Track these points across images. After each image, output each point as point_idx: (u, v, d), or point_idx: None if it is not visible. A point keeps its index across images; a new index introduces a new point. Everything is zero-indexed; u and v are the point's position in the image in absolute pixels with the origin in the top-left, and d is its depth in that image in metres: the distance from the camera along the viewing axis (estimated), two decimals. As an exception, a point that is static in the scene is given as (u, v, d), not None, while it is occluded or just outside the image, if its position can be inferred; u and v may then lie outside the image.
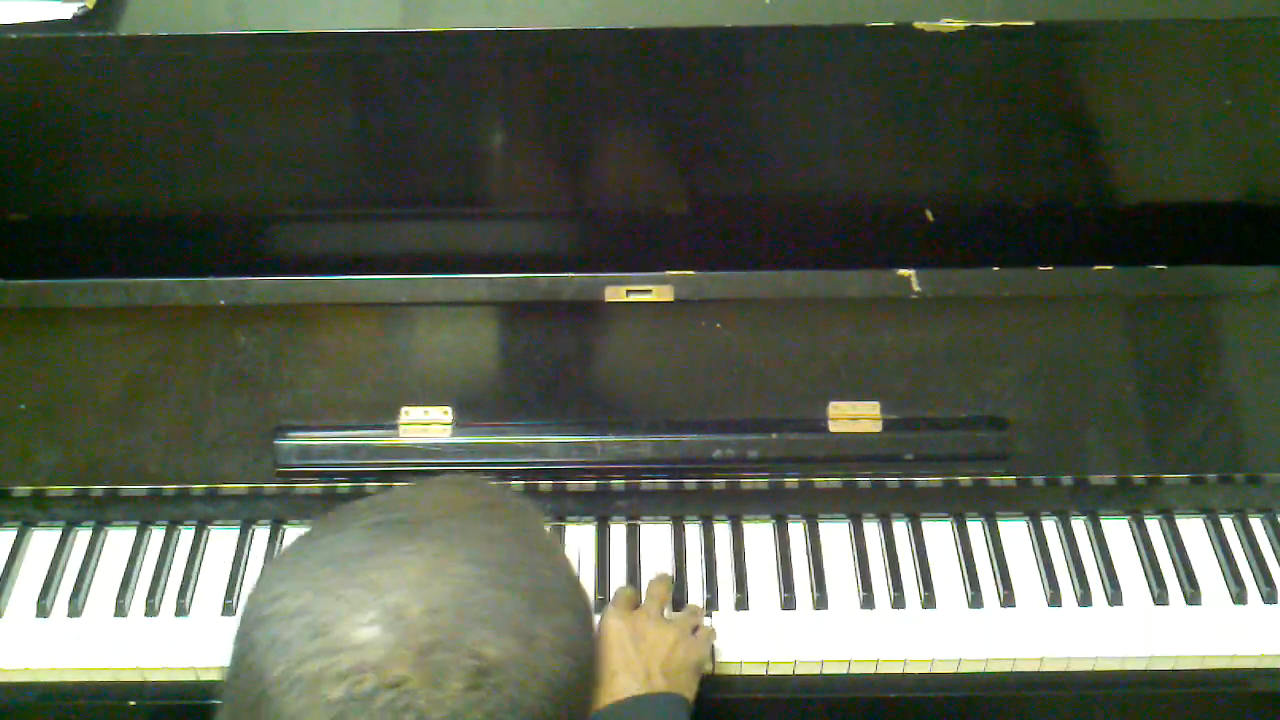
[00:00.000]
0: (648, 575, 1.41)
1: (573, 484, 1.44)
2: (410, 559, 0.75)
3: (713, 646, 1.33)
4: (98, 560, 1.43)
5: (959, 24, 1.29)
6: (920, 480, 1.43)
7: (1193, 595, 1.38)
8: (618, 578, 1.41)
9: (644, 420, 1.41)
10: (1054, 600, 1.38)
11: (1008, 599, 1.38)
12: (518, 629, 0.75)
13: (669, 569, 1.41)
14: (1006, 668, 1.35)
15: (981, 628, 1.36)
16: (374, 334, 1.42)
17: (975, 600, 1.38)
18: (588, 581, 1.40)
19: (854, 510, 1.46)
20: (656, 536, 1.45)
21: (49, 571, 1.41)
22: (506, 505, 0.85)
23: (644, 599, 1.34)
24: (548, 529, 0.88)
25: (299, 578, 0.76)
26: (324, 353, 1.41)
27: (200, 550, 1.44)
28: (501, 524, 0.81)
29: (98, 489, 1.43)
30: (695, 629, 1.31)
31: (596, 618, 1.23)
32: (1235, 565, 1.41)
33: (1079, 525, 1.45)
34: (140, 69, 1.34)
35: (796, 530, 1.45)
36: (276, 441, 1.40)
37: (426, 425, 1.40)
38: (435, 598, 0.74)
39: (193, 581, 1.40)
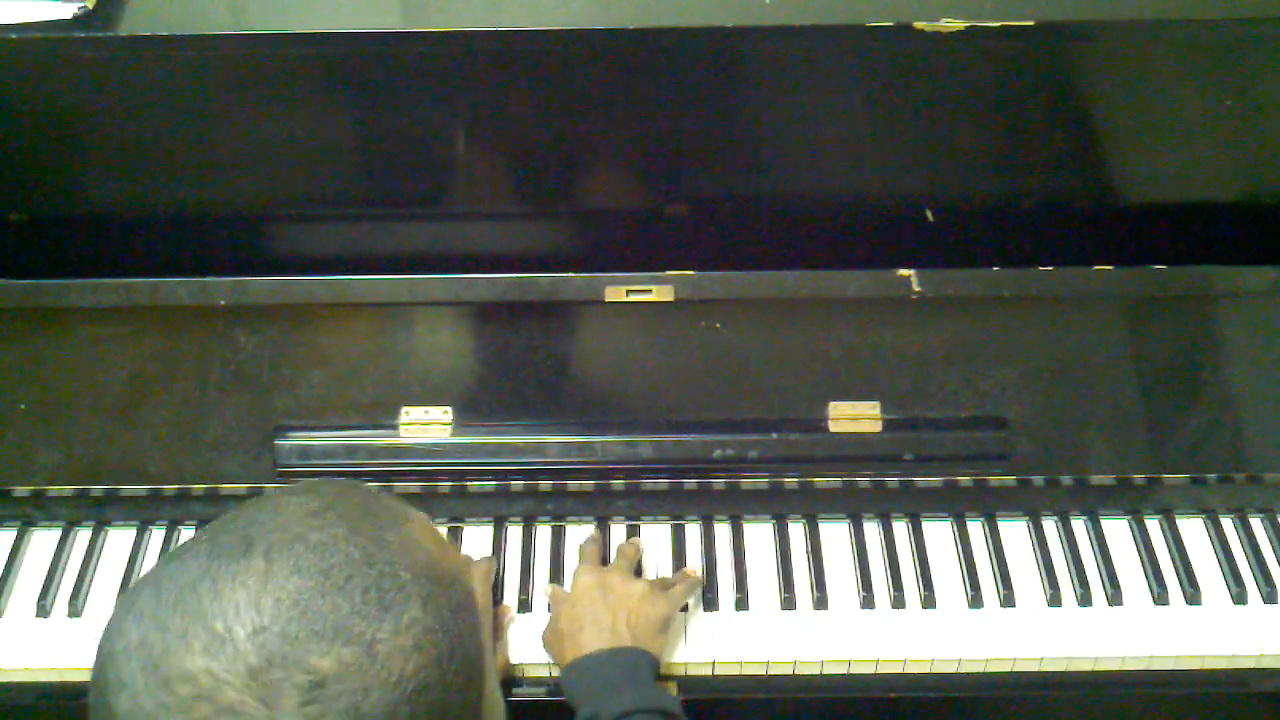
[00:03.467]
0: (648, 575, 1.41)
1: (573, 484, 1.44)
2: (239, 580, 0.75)
3: (687, 604, 1.36)
4: (98, 560, 1.43)
5: (959, 24, 1.29)
6: (920, 480, 1.43)
7: (1193, 595, 1.38)
8: (618, 578, 1.41)
9: (644, 420, 1.41)
10: (1054, 600, 1.38)
11: (1008, 599, 1.38)
12: (354, 636, 0.74)
13: (669, 569, 1.41)
14: (1006, 668, 1.35)
15: (981, 628, 1.36)
16: (374, 334, 1.42)
17: (975, 600, 1.38)
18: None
19: (854, 510, 1.46)
20: (656, 536, 1.45)
21: (49, 571, 1.41)
22: (343, 505, 0.82)
23: (615, 556, 1.37)
24: (401, 520, 0.84)
25: (137, 613, 0.76)
26: (324, 353, 1.41)
27: (200, 550, 1.44)
28: (336, 527, 0.79)
29: (98, 489, 1.43)
30: (669, 587, 1.33)
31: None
32: (1235, 565, 1.41)
33: (1079, 525, 1.45)
34: (140, 69, 1.34)
35: (796, 530, 1.45)
36: (276, 441, 1.40)
37: (426, 425, 1.40)
38: (262, 617, 0.74)
39: (193, 581, 1.40)
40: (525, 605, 1.39)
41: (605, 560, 1.39)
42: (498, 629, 1.35)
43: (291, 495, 0.83)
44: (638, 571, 1.39)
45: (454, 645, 0.80)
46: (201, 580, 0.76)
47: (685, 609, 1.38)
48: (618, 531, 1.45)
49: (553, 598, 1.36)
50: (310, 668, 0.73)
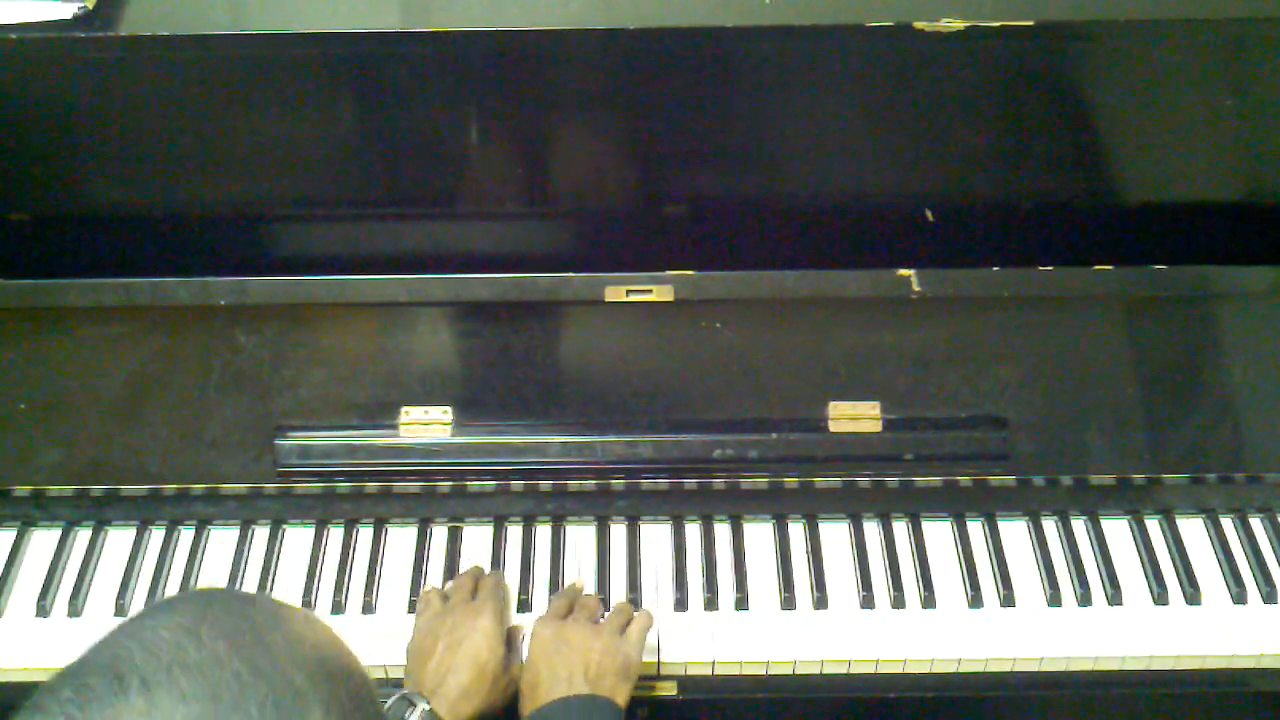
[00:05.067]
0: (647, 575, 1.41)
1: (573, 484, 1.44)
2: None
3: (653, 643, 1.33)
4: (98, 560, 1.43)
5: (959, 24, 1.29)
6: (920, 480, 1.43)
7: (1193, 595, 1.38)
8: (618, 577, 1.41)
9: (644, 420, 1.41)
10: (1054, 600, 1.38)
11: (1008, 599, 1.38)
12: None
13: (669, 569, 1.41)
14: (1006, 668, 1.35)
15: (981, 628, 1.36)
16: (374, 334, 1.42)
17: (975, 600, 1.38)
18: (588, 581, 1.40)
19: (854, 510, 1.46)
20: (656, 536, 1.45)
21: (49, 571, 1.41)
22: (214, 614, 0.74)
23: (577, 607, 1.33)
24: (278, 618, 0.77)
25: None
26: (324, 353, 1.41)
27: (200, 550, 1.44)
28: (214, 642, 0.72)
29: (98, 489, 1.43)
30: (625, 627, 1.31)
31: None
32: (1235, 565, 1.41)
33: (1079, 525, 1.45)
34: (140, 69, 1.34)
35: (796, 530, 1.45)
36: (276, 441, 1.40)
37: (426, 425, 1.40)
38: None
39: (192, 581, 1.41)
40: (525, 605, 1.39)
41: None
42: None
43: (153, 616, 0.75)
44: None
45: None
46: None
47: (685, 609, 1.38)
48: (618, 531, 1.45)
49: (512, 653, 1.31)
50: None
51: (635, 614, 1.33)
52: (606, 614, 1.34)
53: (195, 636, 0.72)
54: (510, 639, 1.31)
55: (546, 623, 1.29)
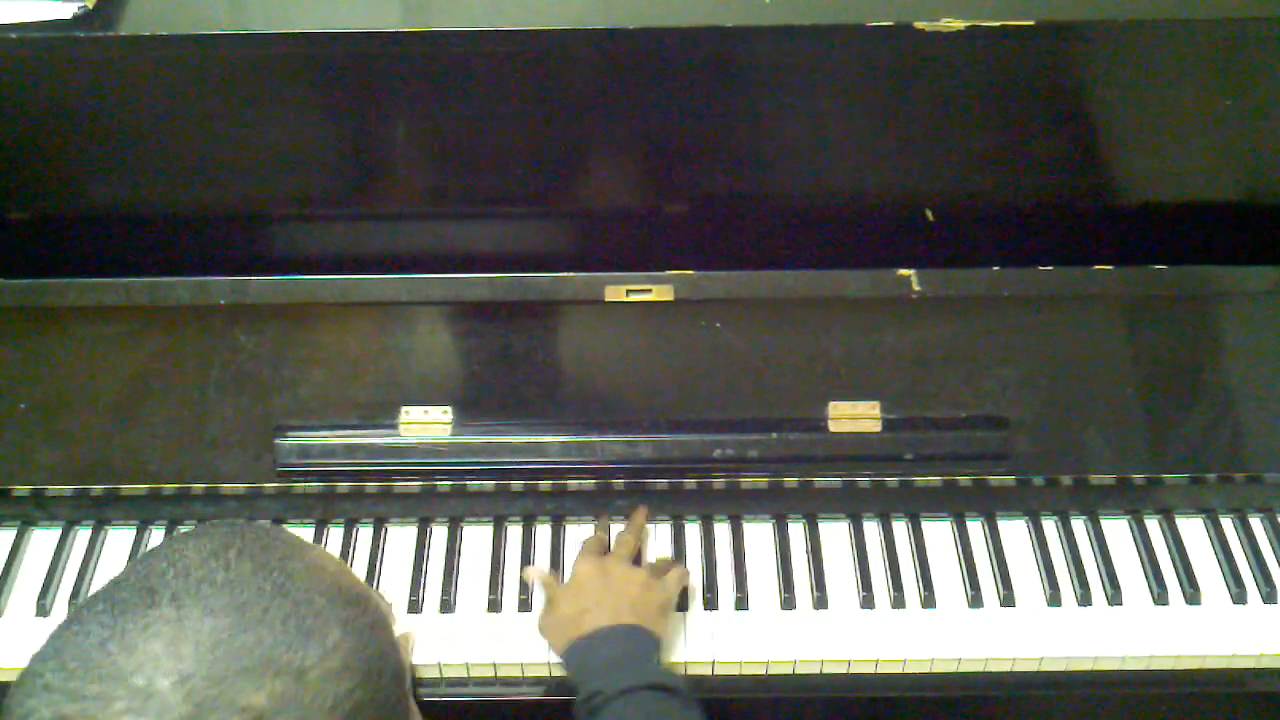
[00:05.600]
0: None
1: (573, 484, 1.44)
2: (150, 631, 0.73)
3: (686, 589, 1.38)
4: (98, 560, 1.44)
5: (959, 24, 1.29)
6: (920, 480, 1.43)
7: (1192, 595, 1.38)
8: (618, 577, 1.41)
9: (644, 420, 1.41)
10: (1054, 600, 1.38)
11: (1007, 599, 1.38)
12: (283, 667, 0.73)
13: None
14: (1006, 668, 1.35)
15: (981, 628, 1.36)
16: (374, 334, 1.42)
17: (975, 600, 1.38)
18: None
19: (854, 510, 1.46)
20: (656, 536, 1.45)
21: (49, 571, 1.41)
22: (241, 540, 0.80)
23: (615, 545, 1.38)
24: (300, 548, 0.83)
25: (44, 689, 0.72)
26: (324, 353, 1.41)
27: (200, 550, 1.44)
28: (240, 564, 0.78)
29: (98, 489, 1.43)
30: (664, 573, 1.35)
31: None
32: (1235, 565, 1.41)
33: (1079, 525, 1.45)
34: (140, 69, 1.34)
35: (796, 530, 1.45)
36: (276, 441, 1.40)
37: (426, 425, 1.40)
38: (183, 665, 0.71)
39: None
40: (525, 605, 1.39)
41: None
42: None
43: (185, 541, 0.81)
44: (636, 560, 1.39)
45: (380, 662, 0.79)
46: (109, 640, 0.73)
47: (685, 609, 1.38)
48: (618, 531, 1.45)
49: (548, 585, 1.35)
50: (244, 706, 0.71)
51: (675, 568, 1.37)
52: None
53: (223, 560, 0.78)
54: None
55: (588, 558, 1.34)
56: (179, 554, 0.78)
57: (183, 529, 1.46)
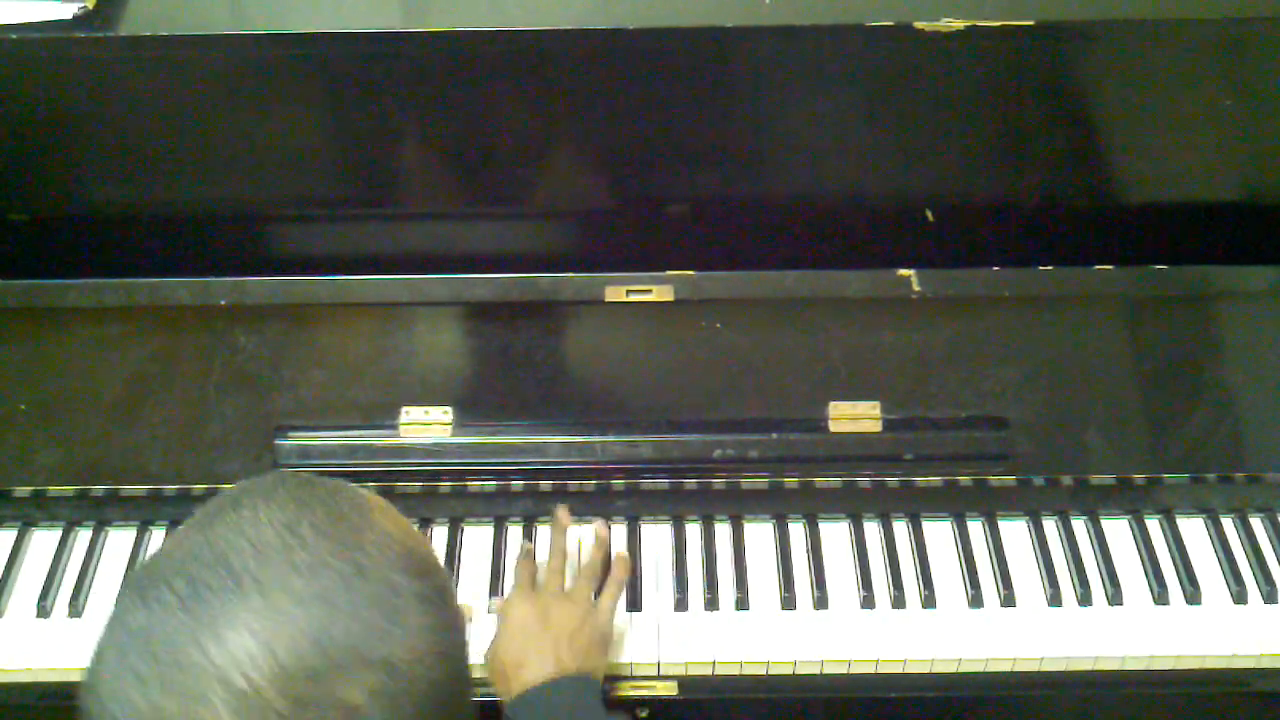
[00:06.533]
0: (648, 574, 1.41)
1: (573, 484, 1.44)
2: (234, 624, 0.72)
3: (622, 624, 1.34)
4: (98, 560, 1.43)
5: (959, 24, 1.29)
6: (920, 480, 1.43)
7: (1193, 595, 1.38)
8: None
9: (644, 420, 1.41)
10: (1054, 600, 1.38)
11: (1008, 599, 1.38)
12: (374, 660, 0.73)
13: (669, 569, 1.41)
14: (1006, 668, 1.35)
15: (982, 628, 1.36)
16: (374, 334, 1.42)
17: (975, 600, 1.38)
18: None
19: (854, 510, 1.46)
20: (657, 536, 1.45)
21: (49, 572, 1.41)
22: (310, 511, 0.78)
23: (545, 575, 1.33)
24: (365, 513, 0.80)
25: (137, 673, 0.72)
26: (324, 353, 1.41)
27: (200, 550, 1.44)
28: (319, 540, 0.76)
29: (98, 489, 1.43)
30: (596, 591, 1.31)
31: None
32: (1235, 565, 1.41)
33: (1079, 525, 1.45)
34: (140, 69, 1.34)
35: (797, 530, 1.45)
36: (277, 441, 1.40)
37: (427, 425, 1.40)
38: (276, 659, 0.71)
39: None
40: (525, 605, 1.39)
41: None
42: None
43: (251, 508, 0.78)
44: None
45: (456, 635, 0.79)
46: (199, 631, 0.72)
47: (686, 609, 1.38)
48: (618, 531, 1.45)
49: (499, 614, 1.31)
50: (340, 701, 0.72)
51: (611, 576, 1.33)
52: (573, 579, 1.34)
53: (299, 536, 0.76)
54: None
55: (523, 596, 1.29)
56: (253, 526, 0.76)
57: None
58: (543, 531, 1.45)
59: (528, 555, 1.37)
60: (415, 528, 0.85)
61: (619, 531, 1.45)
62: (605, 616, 1.29)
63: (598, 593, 1.32)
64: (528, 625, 1.25)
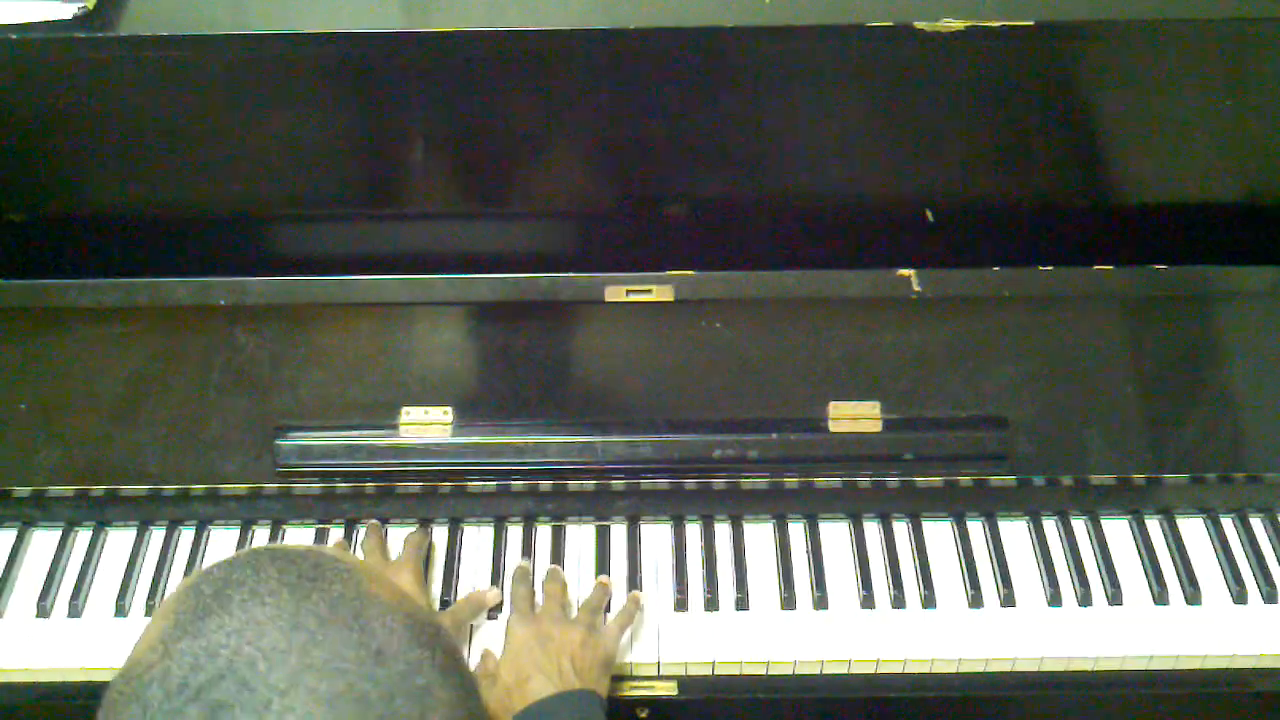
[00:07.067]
0: (648, 575, 1.41)
1: (573, 484, 1.44)
2: None
3: (637, 634, 1.34)
4: (98, 560, 1.43)
5: (959, 24, 1.29)
6: (920, 480, 1.43)
7: (1193, 595, 1.38)
8: (618, 577, 1.41)
9: (644, 420, 1.41)
10: (1054, 600, 1.38)
11: (1008, 599, 1.38)
12: None
13: (669, 569, 1.41)
14: (1006, 668, 1.35)
15: (982, 628, 1.36)
16: (374, 334, 1.42)
17: (975, 600, 1.38)
18: (588, 580, 1.40)
19: (854, 510, 1.46)
20: (656, 536, 1.45)
21: (49, 572, 1.41)
22: (309, 601, 0.73)
23: (543, 600, 1.34)
24: (357, 586, 0.76)
25: None
26: (324, 353, 1.41)
27: (200, 550, 1.44)
28: (328, 632, 0.71)
29: (98, 489, 1.43)
30: (601, 614, 1.32)
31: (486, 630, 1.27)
32: (1235, 565, 1.41)
33: (1079, 525, 1.45)
34: (140, 69, 1.34)
35: (796, 530, 1.45)
36: (277, 441, 1.40)
37: (426, 425, 1.40)
38: None
39: (193, 582, 1.40)
40: (525, 605, 1.39)
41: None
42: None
43: (243, 606, 0.72)
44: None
45: (476, 700, 0.77)
46: None
47: (686, 609, 1.38)
48: (618, 531, 1.45)
49: (485, 658, 1.30)
50: None
51: (623, 607, 1.34)
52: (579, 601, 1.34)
53: (305, 630, 0.71)
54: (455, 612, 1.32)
55: (522, 620, 1.30)
56: (253, 629, 0.71)
57: (184, 529, 1.45)
58: (542, 532, 1.46)
59: (523, 576, 1.36)
60: (404, 588, 0.80)
61: (619, 531, 1.45)
62: (610, 639, 1.29)
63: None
64: (529, 645, 1.25)
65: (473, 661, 1.32)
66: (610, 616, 1.34)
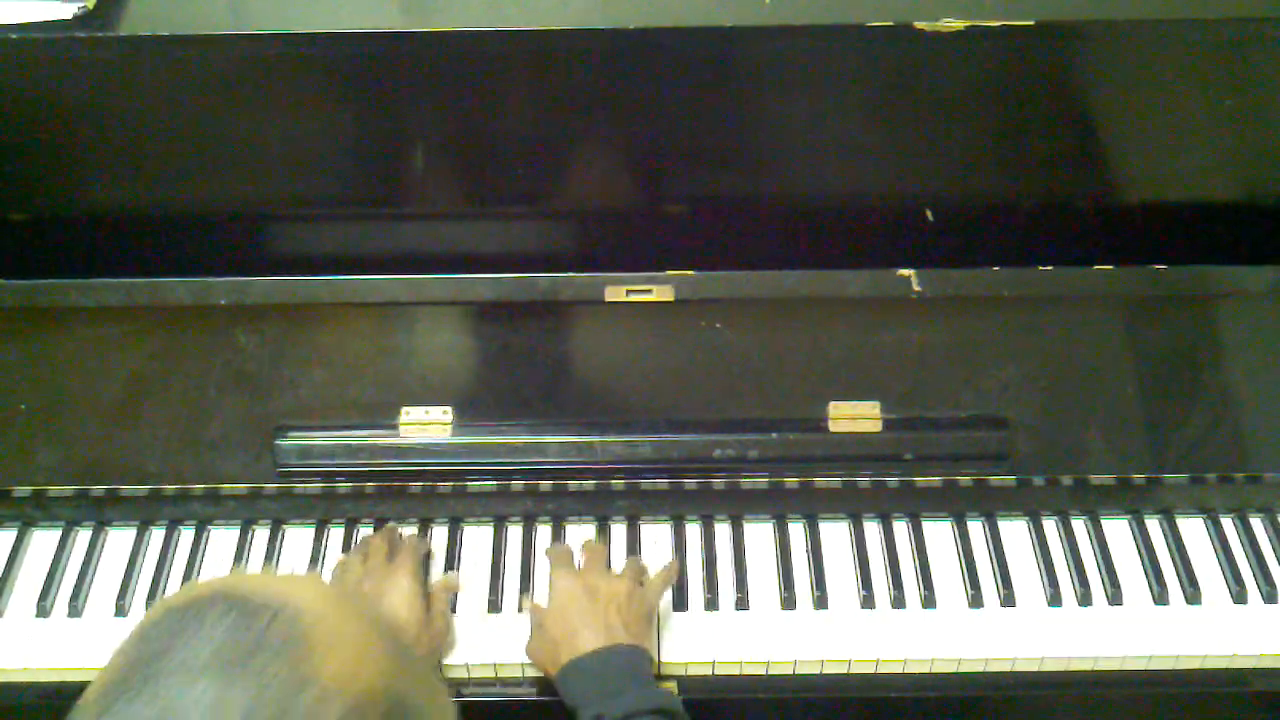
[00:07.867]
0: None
1: (573, 484, 1.44)
2: None
3: (670, 591, 1.37)
4: (98, 560, 1.43)
5: (959, 24, 1.29)
6: (920, 480, 1.43)
7: (1193, 595, 1.38)
8: (618, 578, 1.41)
9: (644, 420, 1.41)
10: (1054, 600, 1.38)
11: (1008, 599, 1.38)
12: None
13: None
14: (1006, 668, 1.35)
15: (981, 628, 1.36)
16: (374, 334, 1.42)
17: (975, 600, 1.38)
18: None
19: (854, 510, 1.46)
20: (657, 536, 1.45)
21: (49, 572, 1.41)
22: (239, 685, 0.69)
23: (585, 558, 1.35)
24: (314, 650, 0.72)
25: None
26: (324, 353, 1.41)
27: (200, 550, 1.44)
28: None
29: (98, 489, 1.43)
30: (641, 577, 1.33)
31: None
32: (1235, 565, 1.41)
33: (1079, 525, 1.45)
34: (140, 69, 1.34)
35: (796, 530, 1.45)
36: (277, 441, 1.40)
37: (426, 425, 1.40)
38: None
39: (194, 582, 1.41)
40: (525, 605, 1.39)
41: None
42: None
43: (167, 687, 0.70)
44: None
45: None
46: None
47: (685, 609, 1.38)
48: (618, 531, 1.45)
49: (533, 610, 1.32)
50: None
51: (665, 565, 1.36)
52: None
53: (241, 710, 0.69)
54: (431, 601, 1.33)
55: (565, 573, 1.31)
56: (181, 714, 0.69)
57: (184, 529, 1.45)
58: (542, 532, 1.46)
59: (559, 544, 1.39)
60: (336, 643, 0.73)
61: (619, 531, 1.45)
62: (654, 594, 1.31)
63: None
64: (577, 596, 1.27)
65: (526, 603, 1.35)
66: (654, 576, 1.35)
